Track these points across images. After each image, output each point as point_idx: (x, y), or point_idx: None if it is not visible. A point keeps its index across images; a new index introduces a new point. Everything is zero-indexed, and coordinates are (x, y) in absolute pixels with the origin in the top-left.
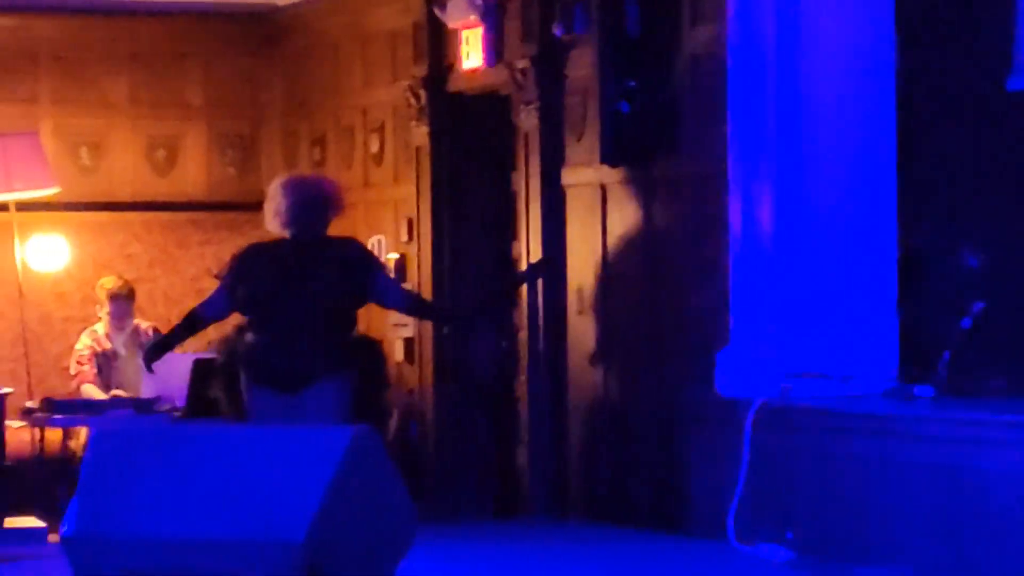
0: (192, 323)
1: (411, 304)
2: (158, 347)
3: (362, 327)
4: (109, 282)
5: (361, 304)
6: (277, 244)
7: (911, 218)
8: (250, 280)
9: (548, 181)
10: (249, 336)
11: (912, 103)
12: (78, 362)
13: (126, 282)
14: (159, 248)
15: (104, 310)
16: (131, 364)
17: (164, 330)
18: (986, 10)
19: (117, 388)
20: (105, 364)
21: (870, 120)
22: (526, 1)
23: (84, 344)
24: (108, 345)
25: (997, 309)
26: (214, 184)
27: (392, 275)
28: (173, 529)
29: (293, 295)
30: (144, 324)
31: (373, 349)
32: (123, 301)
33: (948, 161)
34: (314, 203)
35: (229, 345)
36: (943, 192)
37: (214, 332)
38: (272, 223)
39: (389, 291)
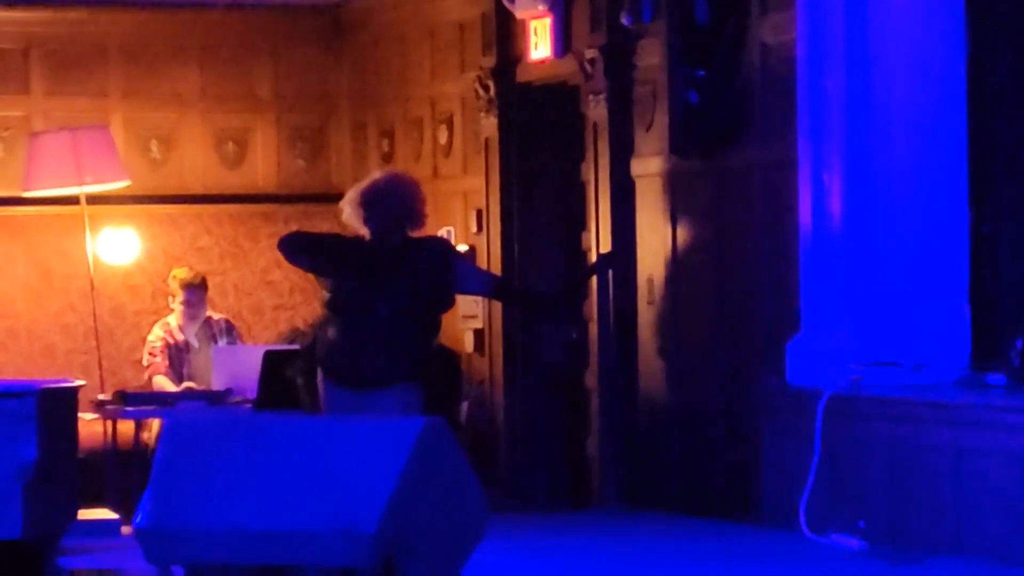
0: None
1: (495, 286)
2: None
3: None
4: (182, 272)
5: (446, 305)
6: (358, 244)
7: (982, 204)
8: (333, 278)
9: (617, 171)
10: (330, 333)
11: (983, 88)
12: (150, 354)
13: (199, 273)
14: (229, 240)
15: (177, 301)
16: (203, 356)
17: (236, 323)
18: None
19: (189, 380)
20: (177, 356)
21: (940, 106)
22: None
23: (156, 336)
24: (180, 337)
25: None
26: (283, 177)
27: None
28: (245, 520)
29: (372, 298)
30: (216, 316)
31: (450, 360)
32: (197, 290)
33: (1020, 146)
34: (396, 206)
35: (312, 335)
36: (1015, 178)
37: (285, 325)
38: (354, 225)
39: (472, 276)
